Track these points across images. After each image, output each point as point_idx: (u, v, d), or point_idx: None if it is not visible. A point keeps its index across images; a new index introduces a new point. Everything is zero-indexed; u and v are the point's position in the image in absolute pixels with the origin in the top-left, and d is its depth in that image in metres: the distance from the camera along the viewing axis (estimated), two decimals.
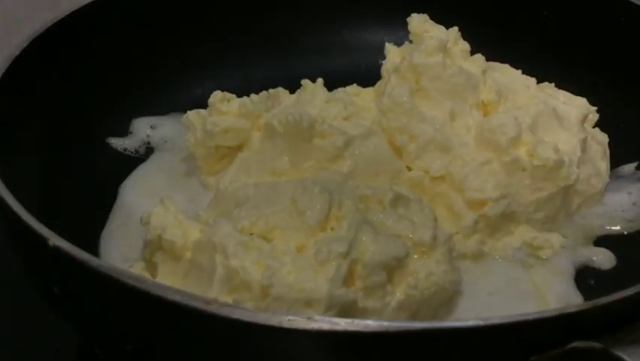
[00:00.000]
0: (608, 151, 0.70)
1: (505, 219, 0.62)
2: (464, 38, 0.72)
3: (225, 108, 0.67)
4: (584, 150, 0.66)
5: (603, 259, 0.62)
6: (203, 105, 0.67)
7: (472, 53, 0.72)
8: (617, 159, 0.70)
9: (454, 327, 0.39)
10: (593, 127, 0.72)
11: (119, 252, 0.60)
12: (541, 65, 0.75)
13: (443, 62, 0.68)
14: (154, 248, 0.56)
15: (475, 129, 0.66)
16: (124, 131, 0.73)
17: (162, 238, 0.55)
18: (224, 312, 0.40)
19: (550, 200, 0.64)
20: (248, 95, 0.68)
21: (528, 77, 0.72)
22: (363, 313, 0.51)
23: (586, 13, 0.76)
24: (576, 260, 0.62)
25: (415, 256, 0.54)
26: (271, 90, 0.71)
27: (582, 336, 0.39)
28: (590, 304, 0.39)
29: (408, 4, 0.73)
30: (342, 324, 0.38)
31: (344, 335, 0.38)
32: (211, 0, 0.78)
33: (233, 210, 0.57)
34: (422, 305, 0.53)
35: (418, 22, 0.71)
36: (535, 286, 0.58)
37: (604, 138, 0.71)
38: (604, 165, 0.68)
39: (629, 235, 0.64)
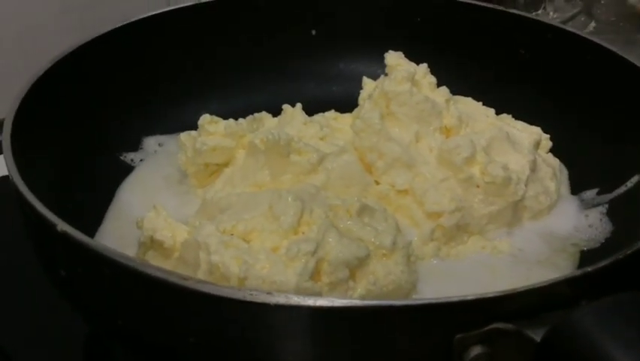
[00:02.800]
0: (558, 174, 0.77)
1: (460, 230, 0.69)
2: (434, 74, 0.79)
3: (213, 129, 0.74)
4: (533, 170, 0.73)
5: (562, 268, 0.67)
6: None
7: (439, 86, 0.79)
8: (580, 186, 0.76)
9: (389, 305, 0.45)
10: (547, 153, 0.79)
11: (110, 243, 0.67)
12: (506, 102, 0.81)
13: (410, 90, 0.75)
14: (146, 248, 0.63)
15: (436, 150, 0.73)
16: (135, 148, 0.81)
17: (153, 239, 0.62)
18: (197, 287, 0.46)
19: (500, 214, 0.70)
20: (245, 117, 0.77)
21: (487, 108, 0.79)
22: None
23: (555, 53, 0.82)
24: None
25: (376, 258, 0.60)
26: (256, 114, 0.79)
27: (501, 319, 0.45)
28: (507, 291, 0.45)
29: (391, 44, 0.81)
30: (295, 299, 0.45)
31: (296, 309, 0.45)
32: (213, 36, 0.86)
33: (218, 215, 0.64)
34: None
35: (394, 57, 0.79)
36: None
37: (555, 161, 0.78)
38: (553, 185, 0.74)
39: (585, 251, 0.68)
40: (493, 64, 0.85)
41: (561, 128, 0.78)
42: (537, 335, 0.44)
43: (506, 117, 0.81)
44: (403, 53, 0.79)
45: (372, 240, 0.61)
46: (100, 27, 0.78)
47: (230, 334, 0.49)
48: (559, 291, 0.46)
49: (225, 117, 0.76)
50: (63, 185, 0.69)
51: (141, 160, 0.80)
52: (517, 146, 0.75)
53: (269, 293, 0.46)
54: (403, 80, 0.76)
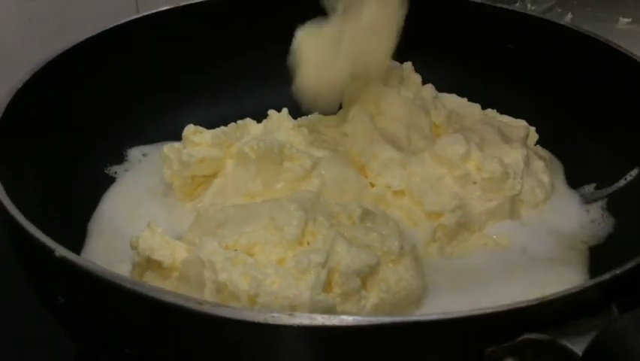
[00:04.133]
0: (550, 165, 0.75)
1: (461, 228, 0.66)
2: (418, 72, 0.77)
3: (199, 140, 0.70)
4: (526, 163, 0.71)
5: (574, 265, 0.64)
6: None
7: (423, 84, 0.77)
8: (578, 181, 0.73)
9: (418, 321, 0.42)
10: (535, 145, 0.77)
11: (99, 260, 0.62)
12: (494, 97, 0.79)
13: (398, 89, 0.73)
14: (142, 269, 0.59)
15: (429, 148, 0.70)
16: (120, 160, 0.76)
17: (150, 259, 0.58)
18: (215, 311, 0.42)
19: (499, 209, 0.68)
20: (230, 124, 0.73)
21: (473, 104, 0.77)
22: None
23: (544, 46, 0.78)
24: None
25: (385, 265, 0.57)
26: (239, 121, 0.75)
27: (533, 329, 0.43)
28: (538, 300, 0.42)
29: None
30: (320, 319, 0.41)
31: (322, 329, 0.42)
32: (195, 41, 0.81)
33: (216, 230, 0.60)
34: (393, 308, 0.57)
35: None
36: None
37: (545, 153, 0.76)
38: (546, 177, 0.72)
39: (591, 248, 0.66)
40: (478, 59, 0.82)
41: (554, 123, 0.76)
42: (575, 347, 0.41)
43: (491, 112, 0.79)
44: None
45: (380, 246, 0.58)
46: (68, 34, 0.73)
47: (251, 359, 0.45)
48: (590, 296, 0.44)
49: (210, 125, 0.72)
50: (47, 201, 0.65)
51: (126, 170, 0.76)
52: (508, 140, 0.73)
53: (291, 315, 0.43)
54: (389, 79, 0.73)
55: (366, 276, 0.56)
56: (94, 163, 0.73)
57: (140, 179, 0.75)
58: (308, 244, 0.57)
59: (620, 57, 0.69)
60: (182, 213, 0.70)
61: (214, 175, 0.71)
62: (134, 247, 0.59)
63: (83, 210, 0.70)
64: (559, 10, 0.95)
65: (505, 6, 0.78)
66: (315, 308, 0.52)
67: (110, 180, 0.74)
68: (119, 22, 0.75)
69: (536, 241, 0.66)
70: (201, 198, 0.71)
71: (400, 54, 0.75)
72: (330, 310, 0.53)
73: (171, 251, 0.58)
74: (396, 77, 0.74)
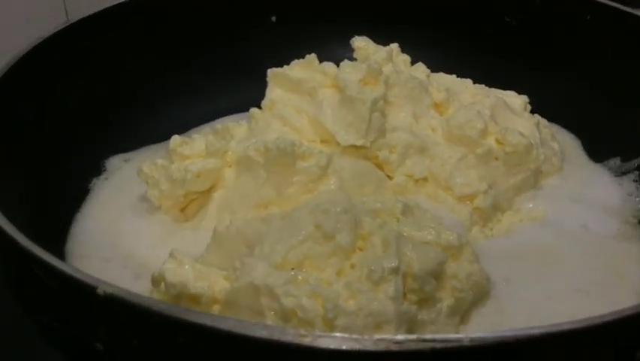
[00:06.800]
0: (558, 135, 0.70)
1: (494, 209, 0.61)
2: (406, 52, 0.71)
3: (188, 152, 0.60)
4: (540, 132, 0.66)
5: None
6: (169, 135, 0.62)
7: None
8: (601, 155, 0.68)
9: (570, 329, 0.36)
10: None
11: None
12: (496, 73, 0.74)
13: (395, 70, 0.66)
14: None
15: (440, 128, 0.64)
16: (98, 171, 0.67)
17: (183, 294, 0.48)
18: (324, 343, 0.35)
19: (524, 183, 0.63)
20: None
21: (463, 79, 0.72)
22: (421, 327, 0.47)
23: (548, 18, 0.73)
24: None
25: (450, 260, 0.50)
26: (218, 125, 0.66)
27: None
28: None
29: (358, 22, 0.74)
30: (455, 337, 0.35)
31: (463, 351, 0.35)
32: (161, 38, 0.73)
33: (247, 249, 0.51)
34: (470, 305, 0.50)
35: (361, 42, 0.70)
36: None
37: (546, 122, 0.71)
38: (556, 145, 0.68)
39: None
40: (476, 35, 0.76)
41: (565, 97, 0.71)
42: None
43: (480, 86, 0.73)
44: (372, 31, 0.70)
45: (437, 240, 0.51)
46: None
47: None
48: None
49: (188, 125, 0.67)
50: (23, 223, 0.53)
51: (106, 179, 0.66)
52: (515, 111, 0.68)
53: (423, 340, 0.35)
54: (383, 62, 0.67)
55: (437, 276, 0.49)
56: (71, 177, 0.63)
57: (120, 191, 0.65)
58: (360, 249, 0.49)
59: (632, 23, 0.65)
60: (181, 232, 0.60)
61: (210, 189, 0.61)
62: (158, 283, 0.49)
63: (60, 230, 0.60)
64: None
65: None
66: (402, 321, 0.45)
67: (88, 193, 0.65)
68: (75, 20, 0.65)
69: (592, 218, 0.60)
70: (200, 216, 0.61)
71: (382, 36, 0.70)
72: (412, 321, 0.46)
73: (209, 281, 0.48)
74: (388, 58, 0.67)
